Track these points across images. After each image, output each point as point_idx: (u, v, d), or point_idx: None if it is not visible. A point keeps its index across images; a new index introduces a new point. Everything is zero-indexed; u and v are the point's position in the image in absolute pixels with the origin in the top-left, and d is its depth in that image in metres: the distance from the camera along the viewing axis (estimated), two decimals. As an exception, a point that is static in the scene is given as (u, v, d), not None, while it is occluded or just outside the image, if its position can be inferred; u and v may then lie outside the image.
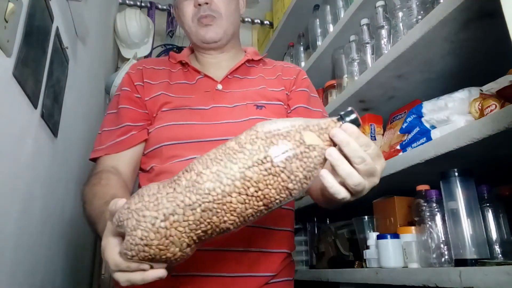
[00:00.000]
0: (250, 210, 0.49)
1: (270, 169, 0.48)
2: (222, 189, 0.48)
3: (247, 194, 0.48)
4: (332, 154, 0.51)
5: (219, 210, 0.48)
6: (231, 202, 0.48)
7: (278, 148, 0.48)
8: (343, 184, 0.53)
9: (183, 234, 0.49)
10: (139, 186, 0.88)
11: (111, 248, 0.54)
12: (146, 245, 0.49)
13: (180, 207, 0.49)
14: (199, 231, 0.50)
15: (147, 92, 0.89)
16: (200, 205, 0.48)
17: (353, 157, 0.51)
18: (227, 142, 0.52)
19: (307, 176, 0.49)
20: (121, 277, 0.54)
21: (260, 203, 0.49)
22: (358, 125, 0.52)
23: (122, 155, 0.84)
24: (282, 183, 0.48)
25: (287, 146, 0.48)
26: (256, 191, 0.48)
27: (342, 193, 0.54)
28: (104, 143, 0.85)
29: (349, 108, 0.54)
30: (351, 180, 0.52)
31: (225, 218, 0.49)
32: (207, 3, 0.90)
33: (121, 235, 0.52)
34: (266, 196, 0.48)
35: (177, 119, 0.85)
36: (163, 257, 0.50)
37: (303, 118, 0.53)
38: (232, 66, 0.94)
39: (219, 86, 0.91)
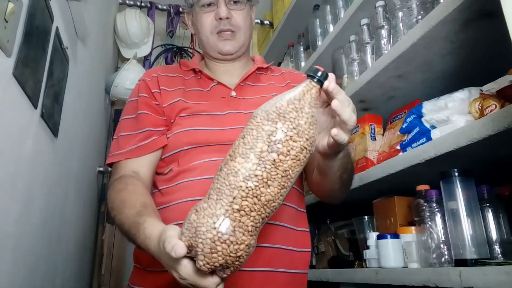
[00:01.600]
0: (289, 176, 0.57)
1: (292, 136, 0.56)
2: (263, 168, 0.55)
3: (282, 164, 0.56)
4: (337, 105, 0.61)
5: (264, 190, 0.55)
6: (276, 174, 0.56)
7: (290, 121, 0.57)
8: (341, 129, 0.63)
9: (246, 227, 0.55)
10: (156, 187, 0.90)
11: (188, 270, 0.58)
12: (219, 254, 0.54)
13: (231, 207, 0.55)
14: (257, 218, 0.56)
15: (164, 98, 0.92)
16: (248, 192, 0.55)
17: (344, 101, 0.62)
18: (245, 136, 0.59)
19: (314, 129, 0.59)
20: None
21: (296, 163, 0.57)
22: (326, 76, 0.62)
23: (143, 159, 0.87)
24: (304, 140, 0.57)
25: (297, 115, 0.58)
26: (289, 156, 0.56)
27: (343, 136, 0.63)
28: (124, 147, 0.87)
29: (314, 67, 0.63)
30: (351, 120, 0.62)
31: (270, 193, 0.56)
32: (228, 18, 0.94)
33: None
34: (297, 155, 0.57)
35: (196, 124, 0.88)
36: (236, 260, 0.55)
37: (287, 92, 0.62)
38: (243, 73, 0.98)
39: (233, 93, 0.94)
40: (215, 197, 0.56)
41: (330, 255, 1.40)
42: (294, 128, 0.56)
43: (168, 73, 0.97)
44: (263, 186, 0.55)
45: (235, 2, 0.97)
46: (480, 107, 0.87)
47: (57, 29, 0.98)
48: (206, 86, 0.96)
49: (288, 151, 0.56)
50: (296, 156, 0.56)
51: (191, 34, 2.30)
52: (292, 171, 0.57)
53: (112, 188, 0.83)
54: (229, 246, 0.54)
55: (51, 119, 0.98)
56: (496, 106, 0.82)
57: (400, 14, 1.13)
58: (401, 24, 1.13)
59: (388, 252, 1.03)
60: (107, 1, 1.80)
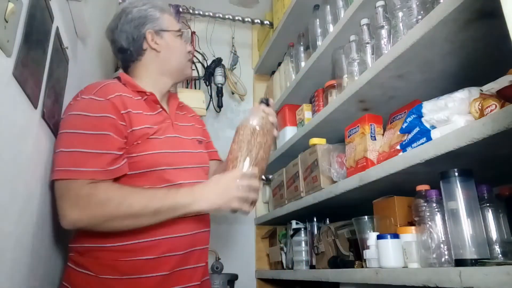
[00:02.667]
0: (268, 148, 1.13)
1: (262, 130, 1.11)
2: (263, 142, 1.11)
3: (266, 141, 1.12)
4: (272, 114, 1.17)
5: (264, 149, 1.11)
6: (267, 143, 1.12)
7: (261, 124, 1.12)
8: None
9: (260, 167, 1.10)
10: None
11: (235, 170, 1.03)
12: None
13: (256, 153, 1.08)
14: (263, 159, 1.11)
15: (133, 120, 1.00)
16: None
17: (273, 115, 1.16)
18: (240, 135, 1.12)
19: (270, 128, 1.15)
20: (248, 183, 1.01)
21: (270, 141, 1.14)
22: (269, 103, 1.18)
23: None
24: (268, 132, 1.14)
25: (263, 122, 1.13)
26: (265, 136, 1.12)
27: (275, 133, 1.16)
28: (85, 165, 0.90)
29: (265, 98, 1.19)
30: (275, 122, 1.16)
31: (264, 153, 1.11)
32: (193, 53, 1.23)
33: None
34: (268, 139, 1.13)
35: (167, 147, 1.03)
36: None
37: (255, 111, 1.15)
38: (174, 103, 1.20)
39: (172, 119, 1.14)
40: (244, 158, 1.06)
41: (330, 255, 1.40)
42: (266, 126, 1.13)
43: (126, 94, 1.04)
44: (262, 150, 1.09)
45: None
46: (480, 107, 0.87)
47: (57, 29, 0.98)
48: (154, 110, 1.09)
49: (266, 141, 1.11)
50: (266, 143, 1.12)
51: (191, 34, 2.31)
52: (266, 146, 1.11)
53: (104, 187, 0.89)
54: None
55: (52, 119, 0.98)
56: (496, 106, 0.82)
57: (400, 14, 1.13)
58: (401, 24, 1.12)
59: (388, 252, 1.03)
60: (107, 1, 1.80)
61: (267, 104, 1.16)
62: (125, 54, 1.16)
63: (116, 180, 0.96)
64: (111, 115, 0.96)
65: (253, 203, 1.04)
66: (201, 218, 1.06)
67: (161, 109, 1.11)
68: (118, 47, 1.16)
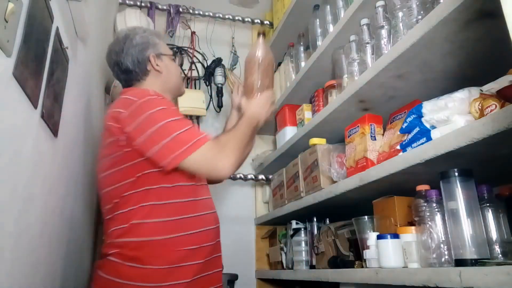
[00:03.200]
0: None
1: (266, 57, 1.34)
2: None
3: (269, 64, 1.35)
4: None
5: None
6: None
7: (264, 53, 1.35)
8: None
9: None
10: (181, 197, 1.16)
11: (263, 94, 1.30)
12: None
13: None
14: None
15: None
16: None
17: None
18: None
19: (270, 52, 1.37)
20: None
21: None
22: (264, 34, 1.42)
23: None
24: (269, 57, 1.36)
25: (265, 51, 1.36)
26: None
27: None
28: (200, 134, 1.14)
29: (262, 31, 1.44)
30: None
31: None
32: None
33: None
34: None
35: None
36: None
37: (256, 45, 1.40)
38: None
39: None
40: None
41: (330, 255, 1.40)
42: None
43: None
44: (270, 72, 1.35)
45: None
46: (480, 107, 0.87)
47: (57, 29, 0.98)
48: None
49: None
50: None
51: (191, 34, 2.31)
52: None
53: (216, 140, 1.15)
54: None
55: (51, 119, 0.98)
56: (496, 106, 0.82)
57: (400, 14, 1.13)
58: (401, 24, 1.12)
59: (388, 252, 1.03)
60: (107, 1, 1.80)
61: (263, 36, 1.40)
62: (130, 75, 1.30)
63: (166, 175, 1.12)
64: (174, 107, 1.24)
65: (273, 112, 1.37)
66: (216, 215, 1.26)
67: None
68: (123, 68, 1.30)
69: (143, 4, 2.18)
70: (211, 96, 2.23)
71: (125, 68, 1.29)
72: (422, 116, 1.00)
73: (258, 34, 1.40)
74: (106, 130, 1.17)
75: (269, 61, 1.36)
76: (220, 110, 2.23)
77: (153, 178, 1.10)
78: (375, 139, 1.25)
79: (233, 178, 2.20)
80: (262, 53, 1.34)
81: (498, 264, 0.75)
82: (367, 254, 1.12)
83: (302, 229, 1.65)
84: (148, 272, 1.05)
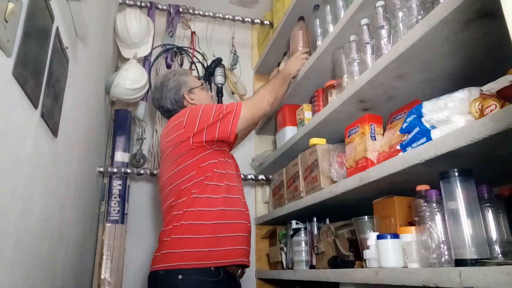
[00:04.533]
0: None
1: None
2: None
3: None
4: None
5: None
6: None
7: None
8: None
9: None
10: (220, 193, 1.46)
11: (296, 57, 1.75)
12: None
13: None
14: None
15: None
16: None
17: None
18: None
19: None
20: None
21: None
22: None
23: None
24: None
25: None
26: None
27: None
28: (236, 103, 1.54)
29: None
30: None
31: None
32: None
33: None
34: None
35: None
36: None
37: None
38: None
39: None
40: None
41: (330, 255, 1.40)
42: None
43: None
44: None
45: None
46: (480, 107, 0.87)
47: (57, 29, 0.98)
48: None
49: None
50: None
51: (191, 34, 2.31)
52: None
53: (257, 94, 1.61)
54: None
55: (51, 119, 0.98)
56: (496, 106, 0.82)
57: (400, 14, 1.13)
58: (401, 24, 1.12)
59: (388, 252, 1.03)
60: (107, 1, 1.80)
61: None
62: (172, 112, 1.62)
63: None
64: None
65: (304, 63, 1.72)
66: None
67: None
68: (165, 109, 1.65)
69: (143, 4, 2.18)
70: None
71: (167, 109, 1.65)
72: (422, 116, 1.00)
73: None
74: (170, 145, 1.48)
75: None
76: (220, 110, 2.23)
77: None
78: (375, 139, 1.25)
79: (233, 178, 2.20)
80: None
81: (498, 264, 0.75)
82: (367, 254, 1.12)
83: (302, 229, 1.65)
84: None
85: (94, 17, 1.45)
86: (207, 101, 1.64)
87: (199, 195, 1.37)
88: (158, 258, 1.35)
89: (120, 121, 2.04)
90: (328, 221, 1.57)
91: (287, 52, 2.05)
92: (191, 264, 1.28)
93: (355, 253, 1.30)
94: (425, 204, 0.96)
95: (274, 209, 1.96)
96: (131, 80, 1.85)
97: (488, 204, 0.91)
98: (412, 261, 0.97)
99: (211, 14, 2.31)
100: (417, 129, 1.01)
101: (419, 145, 0.98)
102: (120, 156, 1.98)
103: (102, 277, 1.77)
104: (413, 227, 1.01)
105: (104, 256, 1.80)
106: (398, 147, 1.07)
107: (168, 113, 1.66)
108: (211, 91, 2.24)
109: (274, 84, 1.64)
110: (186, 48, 2.25)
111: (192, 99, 1.63)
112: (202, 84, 1.71)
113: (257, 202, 2.28)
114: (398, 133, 1.10)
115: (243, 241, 1.43)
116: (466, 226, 0.84)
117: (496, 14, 0.82)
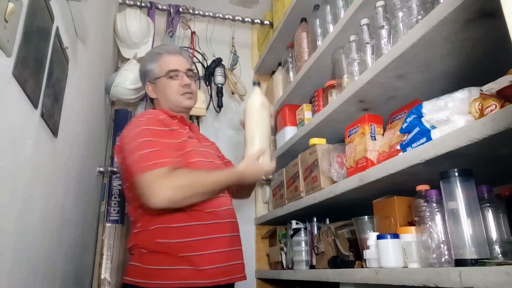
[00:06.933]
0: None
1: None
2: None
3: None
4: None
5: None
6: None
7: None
8: None
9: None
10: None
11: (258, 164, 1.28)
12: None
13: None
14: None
15: (175, 135, 1.24)
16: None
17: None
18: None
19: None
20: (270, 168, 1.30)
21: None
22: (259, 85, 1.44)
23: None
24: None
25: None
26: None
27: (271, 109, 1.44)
28: (167, 157, 1.15)
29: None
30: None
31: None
32: (189, 84, 1.39)
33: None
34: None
35: (199, 156, 1.27)
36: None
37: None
38: (196, 128, 1.50)
39: (199, 137, 1.41)
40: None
41: (330, 255, 1.40)
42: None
43: (164, 115, 1.29)
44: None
45: (191, 76, 1.43)
46: (480, 107, 0.87)
47: (57, 29, 0.98)
48: (185, 129, 1.32)
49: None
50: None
51: (191, 34, 2.31)
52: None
53: (179, 172, 1.14)
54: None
55: (51, 119, 0.98)
56: (496, 106, 0.82)
57: (400, 14, 1.13)
58: (401, 24, 1.12)
59: (388, 252, 1.03)
60: (107, 1, 1.80)
61: (259, 85, 1.42)
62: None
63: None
64: (164, 128, 1.23)
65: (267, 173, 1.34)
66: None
67: (188, 129, 1.34)
68: None
69: (143, 4, 2.18)
70: (211, 96, 2.23)
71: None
72: (422, 116, 1.00)
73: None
74: None
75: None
76: (220, 110, 2.23)
77: None
78: (375, 139, 1.25)
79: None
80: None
81: (498, 264, 0.75)
82: (367, 254, 1.12)
83: (302, 229, 1.65)
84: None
85: (94, 17, 1.45)
86: (170, 95, 1.37)
87: None
88: None
89: (120, 121, 2.04)
90: (328, 221, 1.57)
91: (281, 62, 2.06)
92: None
93: (355, 253, 1.30)
94: (425, 204, 0.96)
95: (274, 209, 1.96)
96: (131, 80, 1.85)
97: (488, 204, 0.91)
98: (412, 261, 0.97)
99: (211, 14, 2.31)
100: (417, 129, 1.01)
101: (419, 145, 0.98)
102: (120, 156, 1.98)
103: (102, 277, 1.77)
104: (413, 227, 1.01)
105: (104, 256, 1.80)
106: (398, 147, 1.07)
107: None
108: (211, 91, 2.24)
109: (207, 181, 1.18)
110: (186, 48, 2.25)
111: (154, 92, 1.42)
112: (171, 73, 1.38)
113: (257, 202, 2.28)
114: (398, 133, 1.10)
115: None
116: (466, 226, 0.84)
117: (496, 14, 0.82)
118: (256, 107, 1.35)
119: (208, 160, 1.30)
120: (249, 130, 1.34)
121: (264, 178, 1.44)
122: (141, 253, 1.14)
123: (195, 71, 1.51)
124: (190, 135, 1.32)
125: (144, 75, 1.44)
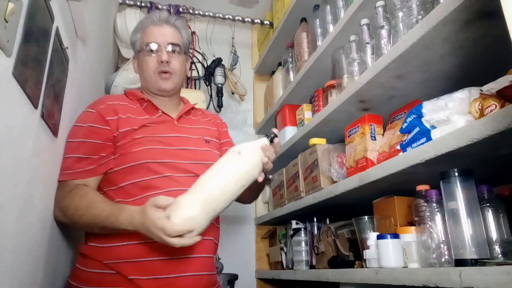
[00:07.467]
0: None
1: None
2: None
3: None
4: (271, 150, 1.04)
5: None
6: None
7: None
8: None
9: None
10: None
11: (165, 221, 0.89)
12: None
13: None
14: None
15: (120, 124, 1.12)
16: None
17: (271, 151, 1.04)
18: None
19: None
20: (178, 242, 0.89)
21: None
22: (275, 136, 1.06)
23: (91, 178, 1.08)
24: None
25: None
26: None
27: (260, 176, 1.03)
28: (74, 168, 1.06)
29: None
30: (273, 158, 1.04)
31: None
32: (167, 62, 1.19)
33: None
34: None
35: (154, 144, 1.11)
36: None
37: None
38: (179, 109, 1.26)
39: (175, 122, 1.20)
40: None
41: (330, 255, 1.40)
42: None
43: (120, 102, 1.17)
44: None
45: (173, 51, 1.21)
46: (480, 107, 0.87)
47: (57, 29, 0.98)
48: (153, 114, 1.18)
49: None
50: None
51: (191, 34, 2.31)
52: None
53: (71, 196, 1.02)
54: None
55: (51, 119, 0.98)
56: (496, 106, 0.82)
57: (400, 14, 1.13)
58: (401, 24, 1.12)
59: (388, 252, 1.03)
60: (107, 1, 1.80)
61: (271, 141, 1.04)
62: None
63: (105, 175, 1.10)
64: (95, 124, 1.11)
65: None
66: None
67: (161, 113, 1.20)
68: None
69: (143, 4, 2.18)
70: (211, 96, 2.23)
71: None
72: (422, 116, 1.00)
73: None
74: None
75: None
76: (220, 110, 2.23)
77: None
78: (375, 139, 1.25)
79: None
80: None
81: (498, 264, 0.75)
82: (367, 254, 1.12)
83: (302, 229, 1.65)
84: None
85: (94, 17, 1.45)
86: (146, 72, 1.20)
87: None
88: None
89: (120, 121, 2.03)
90: (328, 221, 1.58)
91: (281, 62, 2.06)
92: None
93: (355, 253, 1.30)
94: (425, 204, 0.96)
95: (274, 209, 1.96)
96: (131, 80, 1.85)
97: (488, 204, 0.91)
98: (412, 261, 0.97)
99: (211, 14, 2.31)
100: (417, 129, 1.01)
101: (419, 145, 0.98)
102: (120, 156, 1.97)
103: (102, 277, 1.77)
104: (413, 227, 1.01)
105: (104, 256, 1.80)
106: (398, 147, 1.07)
107: None
108: (211, 91, 2.24)
109: (101, 210, 0.99)
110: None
111: (137, 67, 1.27)
112: (147, 48, 1.20)
113: (257, 202, 2.28)
114: (398, 133, 1.10)
115: None
116: (466, 226, 0.84)
117: (496, 14, 0.82)
118: (248, 165, 0.98)
119: (174, 148, 1.12)
120: (210, 177, 0.97)
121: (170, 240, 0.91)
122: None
123: (183, 45, 1.25)
124: (156, 121, 1.16)
125: (132, 48, 1.29)
